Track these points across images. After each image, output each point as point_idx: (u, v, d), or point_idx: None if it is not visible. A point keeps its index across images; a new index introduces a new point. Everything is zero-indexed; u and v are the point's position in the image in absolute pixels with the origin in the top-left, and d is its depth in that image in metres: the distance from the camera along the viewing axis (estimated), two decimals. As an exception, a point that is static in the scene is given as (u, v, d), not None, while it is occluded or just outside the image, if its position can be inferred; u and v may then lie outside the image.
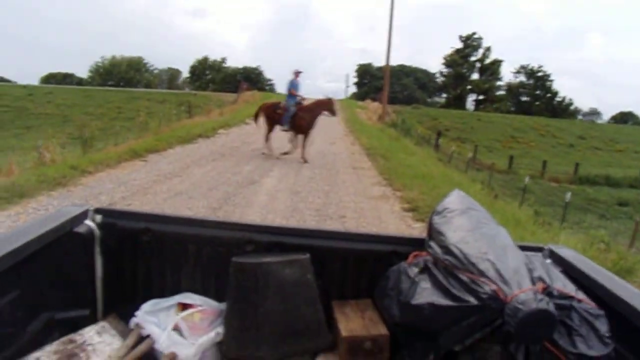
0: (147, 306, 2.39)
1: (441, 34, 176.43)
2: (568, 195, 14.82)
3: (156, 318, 2.34)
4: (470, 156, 25.55)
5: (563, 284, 1.94)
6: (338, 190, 11.05)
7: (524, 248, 2.32)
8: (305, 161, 14.66)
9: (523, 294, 1.77)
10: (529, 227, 9.45)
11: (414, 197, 10.34)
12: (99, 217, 2.45)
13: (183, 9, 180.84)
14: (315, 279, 2.36)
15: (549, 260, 2.39)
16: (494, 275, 1.86)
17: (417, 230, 8.39)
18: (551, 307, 1.73)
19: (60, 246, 2.21)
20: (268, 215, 8.58)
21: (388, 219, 9.10)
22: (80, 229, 2.33)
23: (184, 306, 2.42)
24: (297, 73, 15.52)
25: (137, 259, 2.53)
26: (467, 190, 12.78)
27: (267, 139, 15.42)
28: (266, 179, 11.69)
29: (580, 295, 1.91)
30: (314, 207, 9.35)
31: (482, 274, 1.88)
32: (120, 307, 2.44)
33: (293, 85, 15.34)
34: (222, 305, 2.42)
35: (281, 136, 15.58)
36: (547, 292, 1.85)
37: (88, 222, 2.40)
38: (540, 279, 1.90)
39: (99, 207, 2.49)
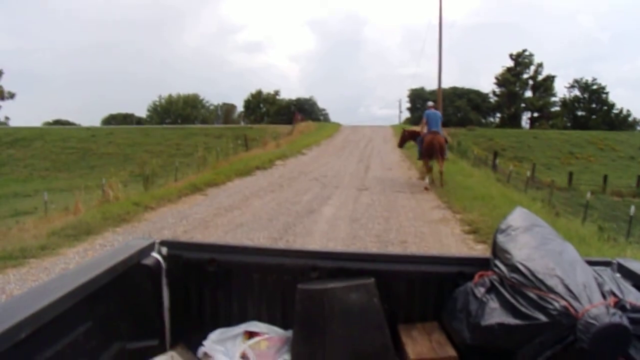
0: (214, 335, 2.44)
1: (491, 53, 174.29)
2: (632, 209, 14.38)
3: (223, 347, 2.38)
4: (528, 175, 25.09)
5: (635, 297, 1.91)
6: (398, 216, 11.00)
7: (591, 263, 2.28)
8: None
9: (595, 308, 1.74)
10: (593, 244, 9.21)
11: (474, 219, 10.21)
12: (164, 249, 2.52)
13: (237, 44, 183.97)
14: (381, 303, 2.34)
15: (618, 274, 2.33)
16: (563, 290, 1.84)
17: (480, 252, 8.27)
18: (625, 321, 1.70)
19: (129, 278, 2.27)
20: (329, 243, 8.60)
21: (449, 242, 9.01)
22: (148, 261, 2.40)
23: (251, 334, 2.46)
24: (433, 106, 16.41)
25: (203, 289, 2.58)
26: (528, 209, 12.57)
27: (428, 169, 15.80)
28: (325, 207, 11.73)
29: None
30: (374, 233, 9.33)
31: (550, 290, 1.87)
32: (188, 337, 2.49)
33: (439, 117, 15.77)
34: (289, 333, 2.44)
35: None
36: (620, 305, 1.83)
37: (154, 254, 2.47)
38: (612, 293, 1.87)
39: (165, 240, 2.55)
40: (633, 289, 1.99)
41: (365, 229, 9.68)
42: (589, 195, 18.30)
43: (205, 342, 2.41)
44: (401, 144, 18.30)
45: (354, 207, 11.92)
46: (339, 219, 10.57)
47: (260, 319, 2.55)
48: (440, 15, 37.39)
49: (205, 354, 2.37)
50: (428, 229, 9.86)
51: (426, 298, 2.58)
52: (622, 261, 2.42)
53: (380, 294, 2.36)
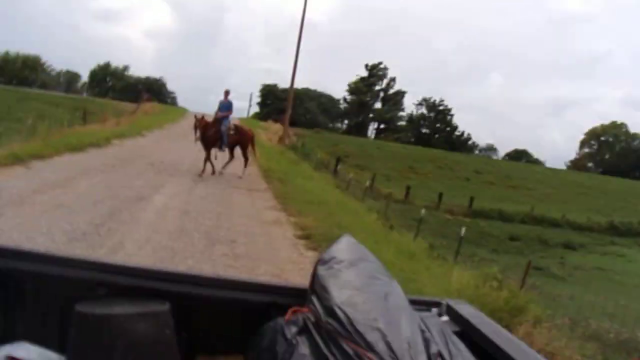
0: None
1: (348, 61, 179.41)
2: (463, 230, 15.09)
3: None
4: (368, 184, 25.75)
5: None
6: (231, 213, 10.76)
7: (419, 303, 2.11)
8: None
9: None
10: (423, 261, 9.49)
11: (308, 224, 10.19)
12: None
13: (90, 10, 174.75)
14: (176, 333, 1.99)
15: (445, 318, 2.19)
16: (384, 349, 1.60)
17: (310, 259, 8.21)
18: None
19: None
20: (154, 235, 8.16)
21: (280, 245, 8.90)
22: None
23: None
24: (226, 93, 16.51)
25: None
26: (363, 220, 12.93)
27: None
28: (157, 195, 11.24)
29: None
30: (204, 229, 9.00)
31: (370, 347, 1.62)
32: None
33: (227, 107, 16.27)
34: (64, 359, 2.00)
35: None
36: None
37: None
38: (439, 355, 1.70)
39: None
40: (462, 346, 1.82)
41: (195, 223, 9.34)
42: (423, 211, 18.96)
43: None
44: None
45: (187, 198, 11.52)
46: (170, 209, 10.15)
47: (31, 339, 2.06)
48: (303, 15, 37.40)
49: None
50: (260, 230, 9.71)
51: (232, 328, 2.25)
52: (451, 303, 2.26)
53: (179, 320, 2.01)
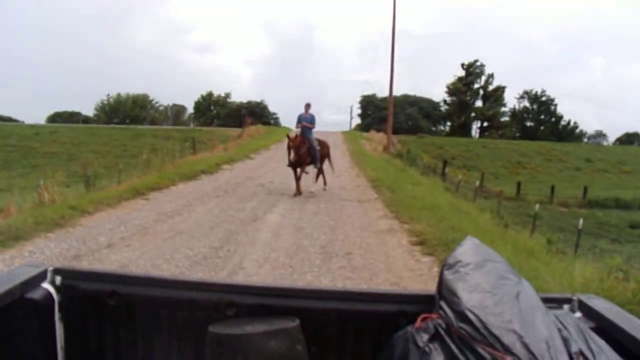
0: None
1: (444, 63, 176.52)
2: (580, 222, 14.49)
3: None
4: (477, 184, 25.24)
5: (607, 357, 1.64)
6: (344, 225, 10.79)
7: (549, 300, 2.01)
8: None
9: None
10: (542, 257, 9.15)
11: (421, 230, 10.05)
12: (58, 279, 2.14)
13: (188, 45, 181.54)
14: (307, 348, 2.01)
15: (578, 314, 2.08)
16: (522, 352, 1.54)
17: (426, 264, 8.11)
18: None
19: (13, 314, 1.92)
20: (271, 253, 8.31)
21: (395, 253, 8.83)
22: (37, 294, 2.02)
23: None
24: (307, 106, 15.24)
25: (104, 326, 2.20)
26: (477, 220, 12.65)
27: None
28: (270, 215, 11.46)
29: None
30: (319, 244, 9.09)
31: (507, 350, 1.56)
32: None
33: (309, 120, 15.24)
34: None
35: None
36: None
37: (46, 285, 2.09)
38: (581, 354, 1.60)
39: (59, 267, 2.17)
40: (602, 343, 1.72)
41: (310, 238, 9.44)
42: (537, 206, 18.42)
43: None
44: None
45: (299, 215, 11.66)
46: (284, 227, 10.31)
47: None
48: (394, 23, 37.44)
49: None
50: (374, 240, 9.67)
51: (361, 340, 2.23)
52: (583, 298, 2.15)
53: (308, 336, 2.03)
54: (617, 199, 36.21)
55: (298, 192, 14.66)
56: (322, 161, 15.73)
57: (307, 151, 14.78)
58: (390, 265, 8.10)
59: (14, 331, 1.96)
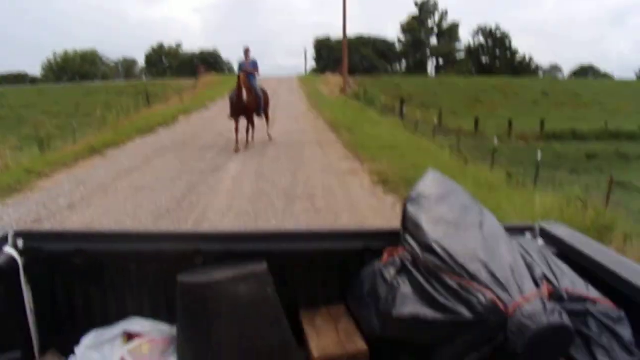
0: (88, 339, 2.05)
1: (397, 1, 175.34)
2: (539, 154, 14.70)
3: (99, 353, 2.00)
4: (435, 122, 25.37)
5: (571, 281, 1.65)
6: (305, 169, 10.82)
7: (511, 229, 2.03)
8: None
9: (528, 304, 1.48)
10: (503, 191, 9.31)
11: (383, 169, 10.14)
12: (20, 242, 2.09)
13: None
14: (276, 291, 2.01)
15: (541, 241, 2.11)
16: (488, 279, 1.57)
17: (389, 203, 8.19)
18: (566, 319, 1.45)
19: None
20: (234, 201, 8.31)
21: (358, 193, 8.92)
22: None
23: (131, 336, 2.08)
24: (247, 51, 13.81)
25: (72, 285, 2.18)
26: (437, 157, 12.75)
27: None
28: (230, 163, 11.40)
29: (594, 293, 1.63)
30: (281, 188, 9.10)
31: (473, 277, 1.59)
32: (60, 342, 2.10)
33: (252, 66, 13.74)
34: (175, 329, 2.09)
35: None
36: (556, 295, 1.58)
37: (8, 249, 2.04)
38: (545, 278, 1.62)
39: (20, 230, 2.12)
40: (565, 267, 1.75)
41: (272, 184, 9.43)
42: (496, 141, 18.58)
43: (77, 349, 2.02)
44: None
45: (260, 161, 11.65)
46: (245, 174, 10.28)
47: (142, 314, 2.17)
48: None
49: (80, 363, 1.97)
50: (336, 181, 9.73)
51: (330, 279, 2.28)
52: (544, 225, 2.20)
53: (277, 279, 2.03)
54: (574, 130, 36.84)
55: (247, 142, 13.64)
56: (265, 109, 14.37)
57: (255, 100, 13.52)
58: (354, 206, 8.16)
59: None
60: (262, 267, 2.02)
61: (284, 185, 9.37)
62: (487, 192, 8.67)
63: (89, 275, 2.18)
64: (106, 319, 2.16)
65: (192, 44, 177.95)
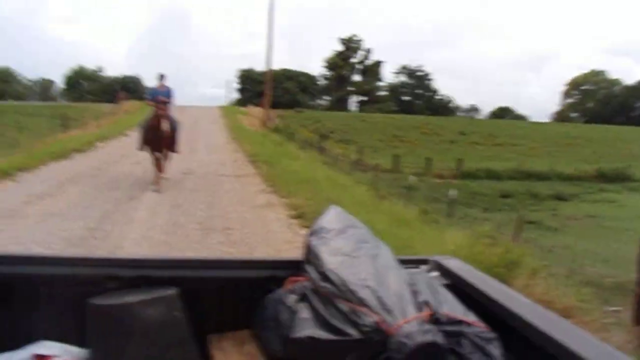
0: None
1: (322, 38, 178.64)
2: (453, 193, 15.24)
3: None
4: (354, 158, 25.81)
5: (451, 307, 1.82)
6: (221, 201, 10.84)
7: (407, 262, 2.21)
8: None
9: (407, 324, 1.63)
10: (417, 227, 9.59)
11: (300, 204, 10.26)
12: None
13: (55, 15, 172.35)
14: (186, 315, 2.11)
15: (435, 273, 2.30)
16: (375, 303, 1.73)
17: (303, 237, 8.30)
18: (439, 338, 1.61)
19: None
20: (148, 232, 8.23)
21: (274, 227, 9.00)
22: None
23: (41, 358, 2.12)
24: (161, 77, 12.89)
25: None
26: (353, 193, 13.02)
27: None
28: (147, 192, 11.28)
29: (471, 317, 1.80)
30: (197, 220, 9.09)
31: (362, 302, 1.76)
32: None
33: (166, 95, 12.42)
34: (85, 352, 2.09)
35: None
36: (435, 318, 1.73)
37: None
38: (426, 304, 1.80)
39: None
40: (449, 295, 1.92)
41: (188, 215, 9.40)
42: (411, 178, 19.13)
43: None
44: None
45: (177, 192, 11.55)
46: (161, 204, 10.21)
47: (52, 337, 2.13)
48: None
49: (-13, 387, 1.96)
50: (253, 215, 9.78)
51: (238, 306, 2.36)
52: (439, 259, 2.37)
53: (188, 304, 2.13)
54: (489, 169, 38.21)
55: (159, 180, 11.95)
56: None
57: (172, 132, 12.02)
58: (269, 239, 8.24)
59: None
60: (171, 292, 2.10)
61: (200, 217, 9.36)
62: (401, 227, 8.93)
63: None
64: (15, 343, 2.11)
65: (114, 69, 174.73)
